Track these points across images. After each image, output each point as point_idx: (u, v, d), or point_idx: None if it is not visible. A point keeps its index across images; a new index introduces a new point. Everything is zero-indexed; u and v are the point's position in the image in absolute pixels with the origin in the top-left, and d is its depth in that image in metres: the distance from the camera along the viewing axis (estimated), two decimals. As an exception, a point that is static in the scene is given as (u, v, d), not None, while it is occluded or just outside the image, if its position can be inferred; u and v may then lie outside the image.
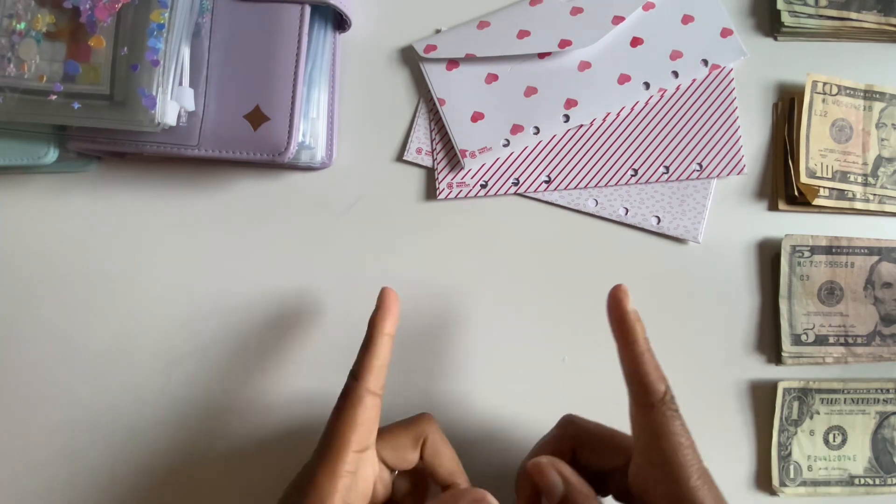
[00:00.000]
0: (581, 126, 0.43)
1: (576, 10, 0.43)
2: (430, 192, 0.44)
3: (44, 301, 0.43)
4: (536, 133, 0.43)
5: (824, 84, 0.43)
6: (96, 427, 0.43)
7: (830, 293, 0.43)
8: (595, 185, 0.43)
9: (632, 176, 0.43)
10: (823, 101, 0.43)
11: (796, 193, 0.43)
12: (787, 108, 0.44)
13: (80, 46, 0.37)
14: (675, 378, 0.44)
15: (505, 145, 0.43)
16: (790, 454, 0.43)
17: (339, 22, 0.43)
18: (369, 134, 0.44)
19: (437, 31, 0.45)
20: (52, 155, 0.40)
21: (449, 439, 0.37)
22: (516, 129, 0.43)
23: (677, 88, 0.44)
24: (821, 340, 0.43)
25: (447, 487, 0.35)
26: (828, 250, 0.43)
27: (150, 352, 0.43)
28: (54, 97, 0.37)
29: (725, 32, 0.44)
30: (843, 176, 0.43)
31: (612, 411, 0.44)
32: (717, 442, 0.43)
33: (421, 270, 0.43)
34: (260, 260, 0.43)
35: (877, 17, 0.44)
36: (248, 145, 0.39)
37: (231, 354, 0.43)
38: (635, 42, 0.44)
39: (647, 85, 0.43)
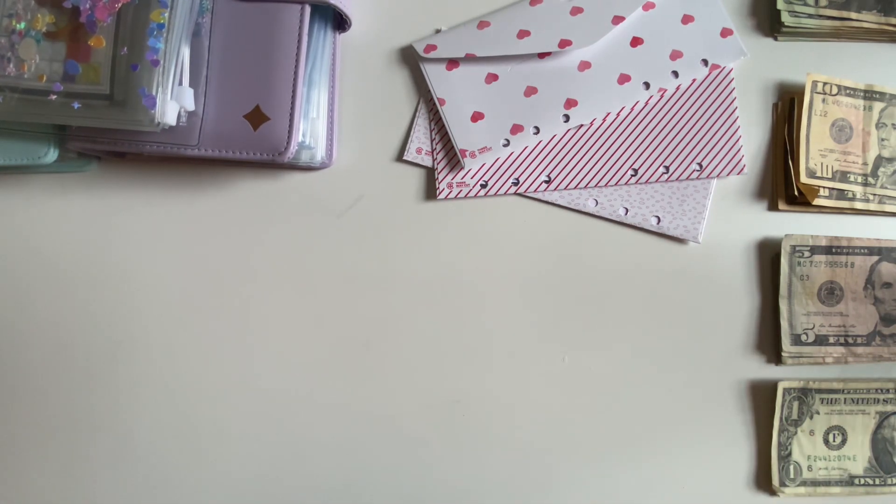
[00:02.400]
0: (581, 126, 0.43)
1: (576, 10, 0.43)
2: (430, 192, 0.44)
3: (44, 301, 0.43)
4: (536, 133, 0.43)
5: (824, 84, 0.43)
6: (95, 427, 0.42)
7: (830, 293, 0.43)
8: (595, 185, 0.43)
9: (632, 176, 0.43)
10: (823, 101, 0.43)
11: (796, 193, 0.43)
12: (787, 108, 0.44)
13: (80, 46, 0.37)
14: (675, 378, 0.44)
15: (505, 145, 0.43)
16: (790, 454, 0.43)
17: (339, 22, 0.43)
18: (369, 134, 0.44)
19: (437, 31, 0.45)
20: (52, 155, 0.40)
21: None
22: (516, 128, 0.43)
23: (677, 88, 0.44)
24: (821, 340, 0.43)
25: None
26: (828, 250, 0.43)
27: (150, 350, 0.43)
28: (54, 97, 0.37)
29: (725, 32, 0.44)
30: (843, 176, 0.43)
31: (613, 411, 0.44)
32: (717, 442, 0.43)
33: (421, 270, 0.43)
34: (260, 259, 0.43)
35: (877, 17, 0.44)
36: (248, 145, 0.39)
37: (230, 353, 0.43)
38: (635, 42, 0.44)
39: (647, 85, 0.43)
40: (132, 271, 0.43)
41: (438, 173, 0.43)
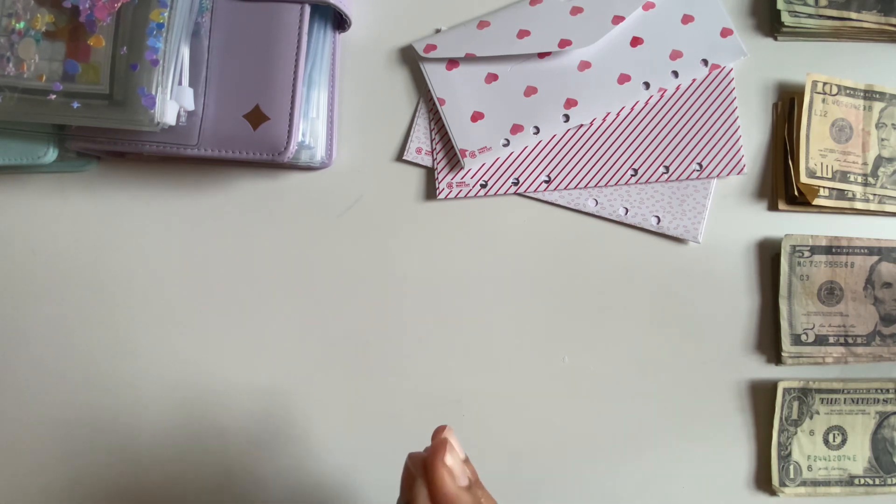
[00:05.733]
0: (581, 126, 0.43)
1: (576, 10, 0.43)
2: (430, 192, 0.44)
3: (44, 301, 0.43)
4: (536, 133, 0.43)
5: (824, 84, 0.43)
6: (95, 426, 0.42)
7: (830, 293, 0.43)
8: (595, 185, 0.43)
9: (632, 176, 0.43)
10: (823, 101, 0.43)
11: (796, 193, 0.43)
12: (787, 108, 0.44)
13: (80, 46, 0.37)
14: (675, 378, 0.44)
15: (505, 145, 0.43)
16: (790, 454, 0.43)
17: (339, 22, 0.43)
18: (369, 134, 0.44)
19: (437, 31, 0.45)
20: (51, 155, 0.40)
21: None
22: (516, 128, 0.43)
23: (677, 88, 0.44)
24: (821, 340, 0.43)
25: None
26: (828, 250, 0.43)
27: (150, 350, 0.43)
28: (54, 96, 0.37)
29: (725, 32, 0.44)
30: (843, 176, 0.43)
31: (612, 411, 0.44)
32: (717, 442, 0.43)
33: (421, 270, 0.43)
34: (259, 259, 0.43)
35: (877, 17, 0.44)
36: (248, 145, 0.38)
37: (230, 353, 0.43)
38: (635, 42, 0.44)
39: (647, 85, 0.43)
40: (132, 271, 0.43)
41: (438, 173, 0.43)
